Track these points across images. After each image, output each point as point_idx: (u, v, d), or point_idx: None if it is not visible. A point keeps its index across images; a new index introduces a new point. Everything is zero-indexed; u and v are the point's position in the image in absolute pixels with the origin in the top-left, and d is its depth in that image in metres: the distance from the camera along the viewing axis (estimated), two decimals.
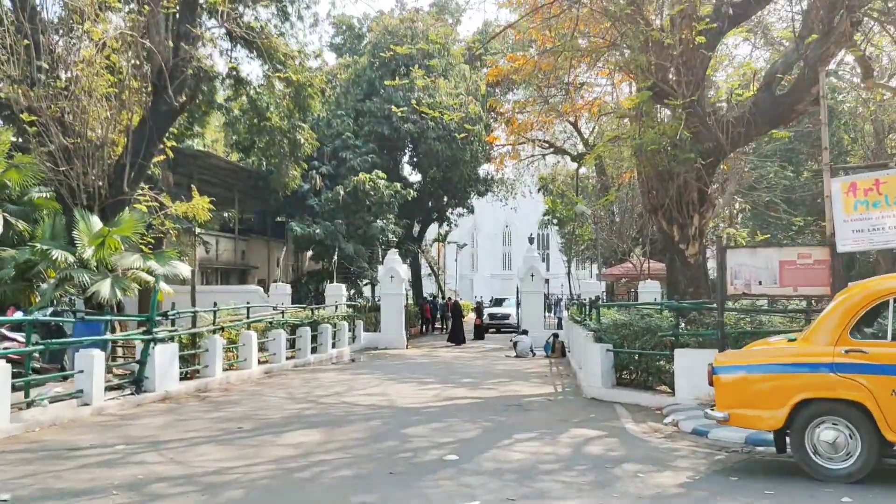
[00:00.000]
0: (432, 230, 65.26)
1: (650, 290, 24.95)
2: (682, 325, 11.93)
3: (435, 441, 8.89)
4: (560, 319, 34.74)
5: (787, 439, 7.06)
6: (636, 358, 12.40)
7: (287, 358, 19.01)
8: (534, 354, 21.68)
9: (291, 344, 19.77)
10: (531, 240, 27.04)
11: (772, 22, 16.81)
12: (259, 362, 17.35)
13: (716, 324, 10.94)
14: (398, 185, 29.26)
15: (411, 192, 29.80)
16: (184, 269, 15.55)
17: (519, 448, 8.53)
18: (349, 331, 25.06)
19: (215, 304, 15.88)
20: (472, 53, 37.05)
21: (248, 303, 18.97)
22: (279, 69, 21.60)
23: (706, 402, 10.70)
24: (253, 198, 30.45)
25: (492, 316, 35.55)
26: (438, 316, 36.88)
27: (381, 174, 28.60)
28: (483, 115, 33.10)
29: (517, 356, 21.53)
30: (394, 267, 25.80)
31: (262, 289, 26.05)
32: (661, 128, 13.45)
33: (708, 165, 13.51)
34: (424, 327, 34.95)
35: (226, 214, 25.13)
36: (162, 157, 17.54)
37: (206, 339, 14.85)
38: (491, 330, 33.75)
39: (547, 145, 54.63)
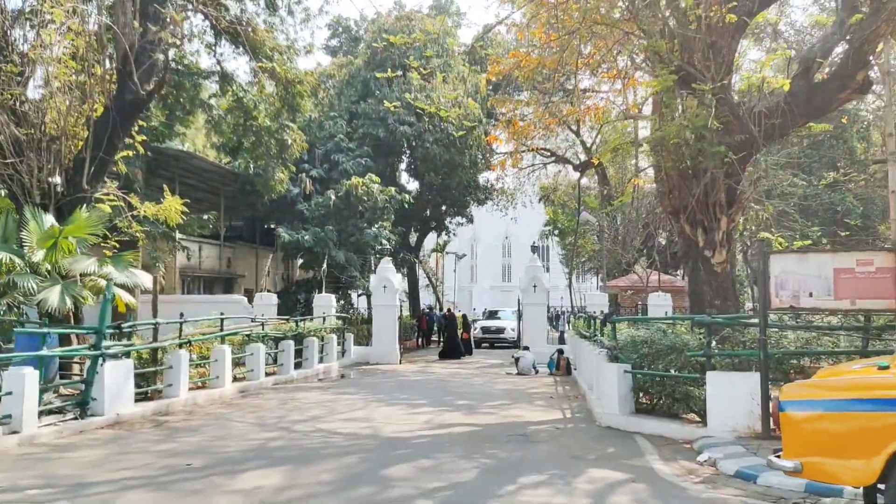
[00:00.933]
0: (430, 240, 63.73)
1: (660, 303, 23.25)
2: (714, 343, 10.30)
3: (421, 487, 7.21)
4: (562, 333, 33.07)
5: (880, 495, 5.41)
6: (659, 381, 10.74)
7: (267, 374, 17.37)
8: (536, 372, 20.01)
9: (275, 359, 18.14)
10: (534, 248, 25.46)
11: (797, 8, 15.28)
12: (235, 379, 15.71)
13: (756, 343, 9.30)
14: (393, 189, 27.64)
15: (407, 197, 28.17)
16: (144, 278, 13.89)
17: (526, 498, 6.85)
18: (338, 344, 23.42)
19: (182, 314, 14.20)
20: (472, 56, 35.63)
21: (221, 313, 17.34)
22: (265, 62, 20.05)
23: (745, 434, 9.07)
24: (240, 203, 28.80)
25: (485, 330, 32.84)
26: (436, 329, 35.17)
27: (374, 178, 26.99)
28: (483, 119, 31.57)
29: (519, 373, 19.86)
30: (387, 276, 24.14)
31: (245, 299, 24.38)
32: (685, 118, 11.83)
33: (739, 161, 11.89)
34: (421, 341, 33.29)
35: (205, 217, 23.47)
36: (129, 153, 15.89)
37: (170, 355, 13.18)
38: (484, 345, 31.38)
39: (548, 154, 53.38)
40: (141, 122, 16.84)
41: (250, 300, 24.10)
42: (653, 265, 35.67)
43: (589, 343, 15.06)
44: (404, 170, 34.67)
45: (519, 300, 25.29)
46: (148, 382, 12.67)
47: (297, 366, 19.40)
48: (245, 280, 30.70)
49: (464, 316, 30.39)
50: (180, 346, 13.51)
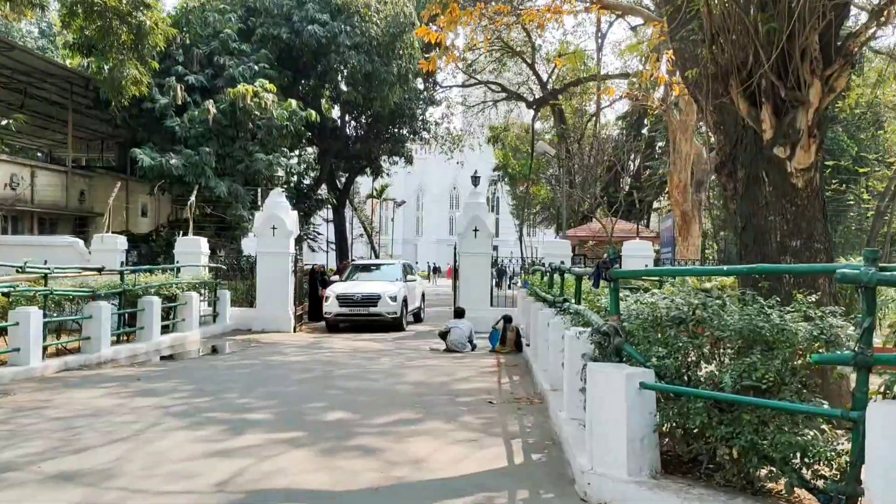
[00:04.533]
0: (367, 185, 56.99)
1: (639, 253, 17.58)
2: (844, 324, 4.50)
3: None
4: (509, 287, 26.68)
5: None
6: (720, 412, 4.81)
7: (58, 353, 11.26)
8: (473, 347, 14.19)
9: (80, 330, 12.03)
10: (475, 180, 19.26)
11: None
12: None
13: None
14: (294, 102, 21.10)
15: (313, 114, 21.55)
16: None
17: None
18: (210, 305, 17.26)
19: None
20: None
21: (25, 262, 11.14)
22: None
23: None
24: (94, 118, 21.99)
25: (344, 300, 18.10)
26: None
27: (267, 85, 20.41)
28: (415, 22, 25.04)
29: (447, 350, 14.00)
30: (276, 214, 17.82)
31: (81, 241, 17.85)
32: None
33: None
34: None
35: (3, 123, 16.63)
36: None
37: None
38: (343, 325, 18.29)
39: (499, 88, 47.26)
40: None
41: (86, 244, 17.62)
42: (618, 213, 30.26)
43: (554, 313, 9.19)
44: (311, 85, 27.81)
45: (455, 249, 19.28)
46: None
47: (126, 338, 13.31)
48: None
49: (312, 269, 20.99)
50: None
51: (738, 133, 7.40)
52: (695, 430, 4.89)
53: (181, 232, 19.27)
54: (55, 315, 11.56)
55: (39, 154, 28.34)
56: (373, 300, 18.01)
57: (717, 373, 4.94)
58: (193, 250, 17.68)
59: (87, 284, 12.61)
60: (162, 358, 13.35)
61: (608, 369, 5.22)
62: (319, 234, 38.80)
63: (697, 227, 19.47)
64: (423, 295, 21.99)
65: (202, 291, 17.05)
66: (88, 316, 12.02)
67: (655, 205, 41.17)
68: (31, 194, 20.38)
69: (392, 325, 18.04)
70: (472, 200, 18.83)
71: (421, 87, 35.63)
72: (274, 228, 17.81)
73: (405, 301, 18.79)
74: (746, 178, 7.28)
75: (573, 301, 8.21)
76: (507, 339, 13.91)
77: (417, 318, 20.91)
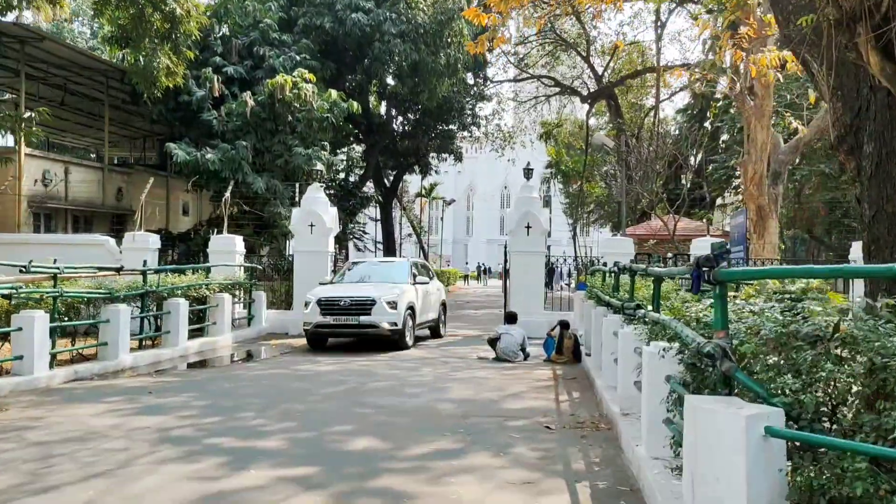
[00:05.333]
0: (415, 184, 55.79)
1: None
2: None
3: None
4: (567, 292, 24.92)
5: None
6: (889, 475, 3.34)
7: (71, 360, 10.38)
8: (526, 357, 12.77)
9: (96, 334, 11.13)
10: (527, 172, 17.79)
11: None
12: None
13: None
14: (334, 93, 19.98)
15: (355, 105, 20.36)
16: None
17: None
18: (245, 307, 16.29)
19: None
20: None
21: (55, 260, 10.39)
22: None
23: None
24: (133, 114, 21.29)
25: (329, 306, 13.86)
26: None
27: (306, 74, 19.34)
28: (464, 6, 23.68)
29: (497, 359, 12.61)
30: (314, 210, 16.70)
31: (113, 240, 17.04)
32: None
33: None
34: None
35: (26, 115, 15.83)
36: None
37: None
38: (328, 340, 14.63)
39: (552, 83, 45.59)
40: None
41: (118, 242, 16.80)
42: (681, 210, 28.33)
43: (622, 321, 7.74)
44: (357, 80, 26.67)
45: (505, 248, 17.86)
46: None
47: (152, 343, 12.40)
48: (147, 218, 23.20)
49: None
50: None
51: (864, 98, 5.84)
52: (853, 502, 3.40)
53: (215, 230, 18.33)
54: (66, 319, 10.56)
55: (77, 151, 27.98)
56: (365, 307, 13.55)
57: (879, 418, 3.45)
58: (228, 249, 16.69)
59: (105, 286, 11.63)
60: (189, 365, 12.31)
61: (717, 406, 3.77)
62: (366, 233, 37.78)
63: (774, 223, 17.63)
64: (443, 305, 17.22)
65: (237, 293, 16.06)
66: (105, 320, 11.03)
67: (719, 202, 39.04)
68: (64, 191, 19.74)
69: (390, 341, 13.71)
70: (525, 195, 17.35)
71: (471, 81, 34.29)
72: (312, 226, 16.70)
73: (412, 310, 14.27)
74: (877, 153, 5.70)
75: (648, 307, 6.76)
76: (565, 348, 12.45)
77: (435, 332, 16.48)
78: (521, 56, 43.76)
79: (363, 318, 13.52)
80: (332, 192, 26.01)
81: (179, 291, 13.26)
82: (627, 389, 7.10)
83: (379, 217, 38.32)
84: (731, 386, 3.98)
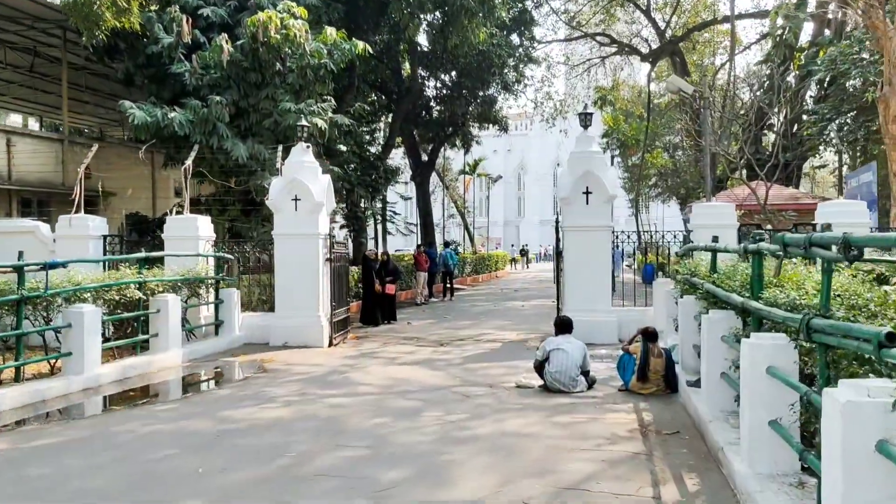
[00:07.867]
0: (458, 162, 51.09)
1: (847, 219, 10.96)
2: None
3: None
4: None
5: None
6: None
7: None
8: (590, 384, 8.31)
9: None
10: (585, 118, 13.06)
11: None
12: None
13: None
14: (332, 30, 15.63)
15: (359, 45, 15.88)
16: None
17: None
18: (210, 310, 12.31)
19: None
20: None
21: None
22: None
23: None
24: (100, 76, 17.48)
25: None
26: (440, 272, 23.63)
27: (294, 9, 15.07)
28: None
29: (545, 388, 8.22)
30: (298, 179, 12.44)
31: (45, 227, 13.22)
32: None
33: None
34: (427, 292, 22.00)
35: None
36: None
37: None
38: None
39: (608, 41, 40.44)
40: None
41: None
42: (772, 175, 23.16)
43: (772, 340, 3.30)
44: (384, 38, 22.31)
45: (556, 223, 13.31)
46: None
47: (51, 370, 8.42)
48: (125, 199, 19.42)
49: (385, 255, 17.52)
50: None
51: None
52: None
53: (174, 210, 14.37)
54: None
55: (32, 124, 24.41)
56: None
57: None
58: (187, 234, 12.66)
59: None
60: (63, 410, 8.08)
61: None
62: (396, 213, 33.51)
63: None
64: None
65: (201, 292, 12.06)
66: None
67: (805, 167, 33.60)
68: (6, 169, 16.04)
69: None
70: (582, 149, 12.67)
71: (516, 41, 29.67)
72: (297, 200, 12.50)
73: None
74: None
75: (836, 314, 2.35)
76: (651, 371, 7.97)
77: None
78: (572, 14, 38.99)
79: None
80: (352, 165, 21.86)
81: (88, 294, 9.27)
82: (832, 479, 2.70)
83: (410, 195, 34.01)
84: None
